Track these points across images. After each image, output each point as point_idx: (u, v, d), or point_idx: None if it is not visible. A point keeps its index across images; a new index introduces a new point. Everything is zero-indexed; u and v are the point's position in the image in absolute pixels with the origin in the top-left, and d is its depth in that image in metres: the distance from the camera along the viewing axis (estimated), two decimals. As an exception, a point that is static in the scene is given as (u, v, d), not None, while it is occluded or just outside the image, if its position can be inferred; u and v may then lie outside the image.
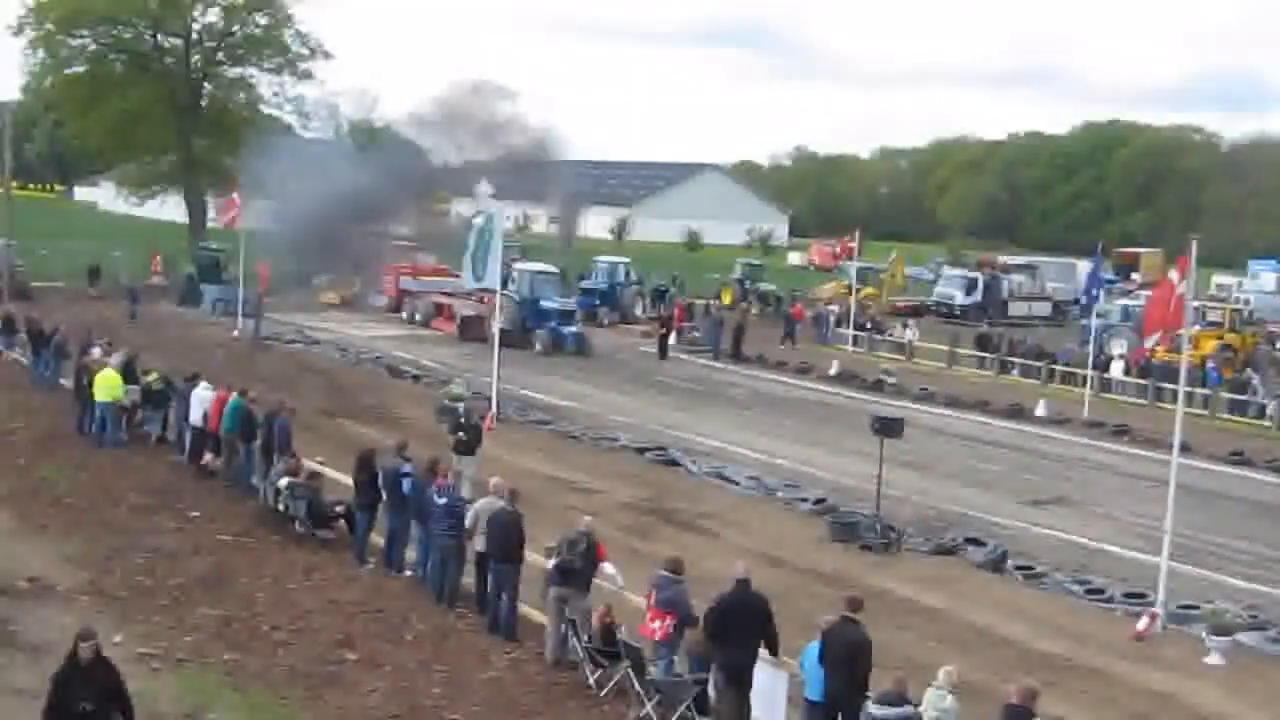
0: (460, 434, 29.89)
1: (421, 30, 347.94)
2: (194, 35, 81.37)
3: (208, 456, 30.51)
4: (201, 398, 30.84)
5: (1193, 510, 30.78)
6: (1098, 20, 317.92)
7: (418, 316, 64.97)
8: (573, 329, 59.22)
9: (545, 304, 59.41)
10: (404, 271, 68.05)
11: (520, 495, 22.09)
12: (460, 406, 34.17)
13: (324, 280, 70.54)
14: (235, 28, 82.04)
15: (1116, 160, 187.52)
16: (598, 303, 71.32)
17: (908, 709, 15.12)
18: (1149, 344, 25.51)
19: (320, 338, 57.27)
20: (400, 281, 67.62)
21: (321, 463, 29.81)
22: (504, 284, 50.76)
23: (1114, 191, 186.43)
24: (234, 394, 29.96)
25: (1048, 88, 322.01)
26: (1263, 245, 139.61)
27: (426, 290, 66.04)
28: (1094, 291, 55.49)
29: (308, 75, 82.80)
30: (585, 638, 19.27)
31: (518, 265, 62.05)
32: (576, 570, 19.94)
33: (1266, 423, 48.62)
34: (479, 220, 42.24)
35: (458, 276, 62.18)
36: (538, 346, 56.46)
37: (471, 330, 58.34)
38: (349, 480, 26.04)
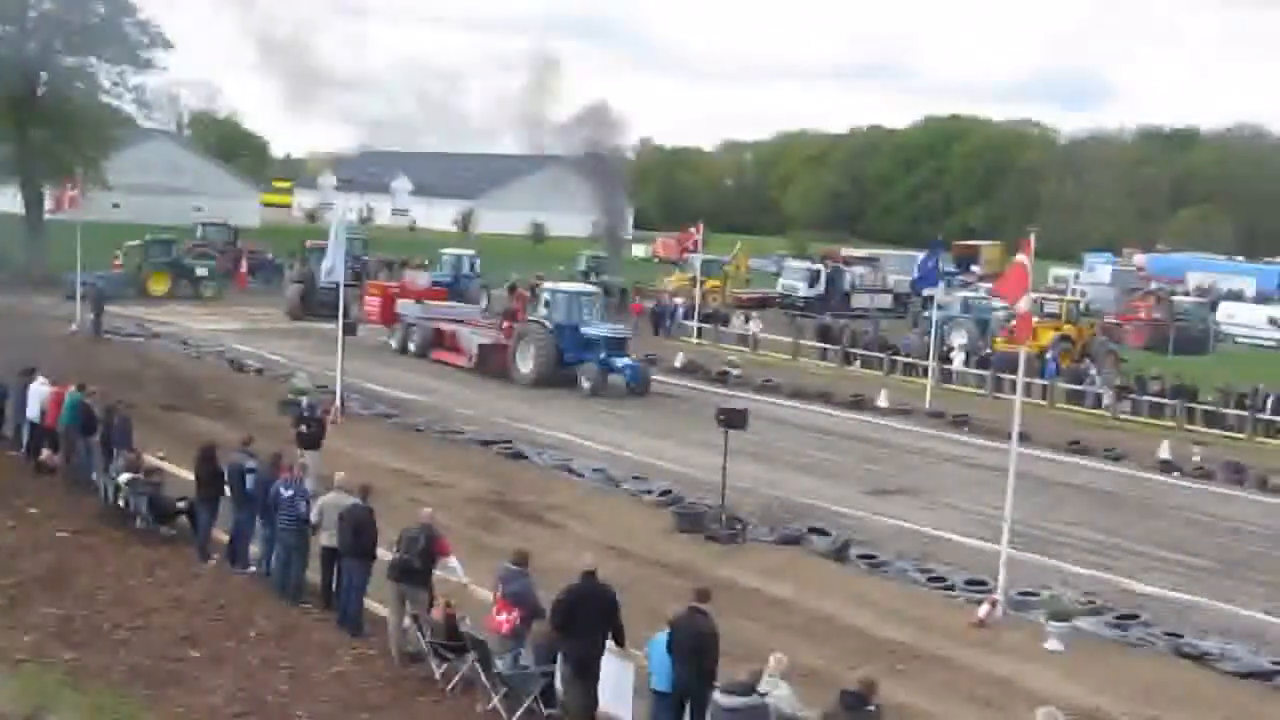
0: (303, 427, 29.65)
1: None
2: (30, 23, 79.60)
3: (45, 453, 29.92)
4: (38, 393, 30.25)
5: (1032, 498, 31.36)
6: (938, 16, 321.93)
7: (411, 345, 54.70)
8: (627, 360, 49.15)
9: (588, 331, 48.96)
10: (394, 291, 59.24)
11: (371, 490, 21.92)
12: (304, 400, 33.93)
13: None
14: (74, 15, 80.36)
15: (957, 154, 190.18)
16: (443, 295, 70.63)
17: (755, 698, 15.22)
18: (1022, 307, 25.92)
19: (161, 331, 56.35)
20: (397, 305, 57.20)
21: (163, 458, 29.41)
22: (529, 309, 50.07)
23: (955, 185, 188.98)
24: (72, 388, 29.43)
25: (890, 82, 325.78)
26: (1099, 238, 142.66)
27: (430, 316, 55.95)
28: (928, 280, 56.32)
29: (148, 65, 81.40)
30: (428, 631, 19.19)
31: (548, 285, 53.66)
32: (415, 567, 19.85)
33: (1103, 412, 49.58)
34: (332, 215, 42.06)
35: (446, 297, 61.28)
36: (585, 384, 47.32)
37: (491, 362, 50.11)
38: (191, 475, 25.70)
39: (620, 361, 48.53)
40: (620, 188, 63.74)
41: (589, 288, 55.52)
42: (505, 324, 52.39)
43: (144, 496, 25.62)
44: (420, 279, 62.56)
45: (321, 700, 18.35)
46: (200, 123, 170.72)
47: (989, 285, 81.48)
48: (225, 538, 24.59)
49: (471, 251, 77.80)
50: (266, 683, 18.84)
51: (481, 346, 50.93)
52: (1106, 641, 23.61)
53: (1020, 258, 25.74)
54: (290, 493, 22.32)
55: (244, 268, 77.09)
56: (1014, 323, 28.44)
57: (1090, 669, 22.14)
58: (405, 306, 56.69)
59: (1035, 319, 52.28)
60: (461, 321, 55.58)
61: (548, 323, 48.98)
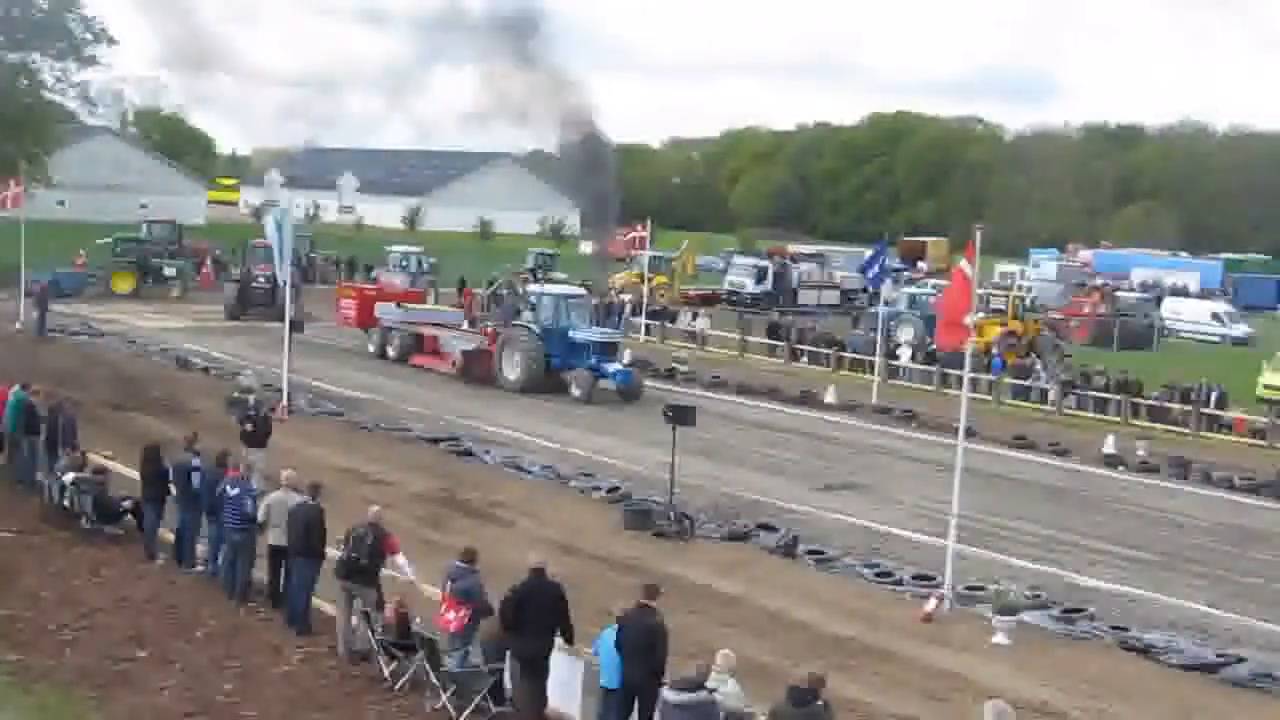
0: (249, 426, 29.52)
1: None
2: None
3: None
4: (-20, 392, 30.04)
5: (979, 493, 31.47)
6: (883, 13, 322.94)
7: (391, 350, 52.82)
8: (618, 365, 47.59)
9: (576, 335, 47.42)
10: (371, 294, 57.55)
11: (322, 489, 21.84)
12: (250, 398, 33.75)
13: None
14: (15, 11, 79.83)
15: (904, 151, 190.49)
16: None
17: (703, 694, 15.25)
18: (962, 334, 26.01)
19: (107, 330, 56.06)
20: (376, 309, 54.95)
21: (109, 457, 29.27)
22: (517, 313, 49.42)
23: (902, 181, 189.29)
24: (15, 388, 29.22)
25: (836, 79, 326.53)
26: (1045, 234, 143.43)
27: (410, 320, 53.89)
28: (873, 277, 56.57)
29: (92, 61, 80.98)
30: (378, 630, 19.16)
31: (534, 288, 52.58)
32: (362, 566, 19.81)
33: (1049, 407, 49.83)
34: (276, 213, 41.85)
35: (424, 300, 60.26)
36: (575, 391, 45.82)
37: (476, 368, 48.39)
38: (137, 474, 25.57)
39: (611, 367, 46.88)
40: (609, 181, 61.62)
41: (577, 290, 54.22)
42: (488, 329, 51.35)
43: (89, 496, 25.48)
44: (397, 280, 60.91)
45: (270, 699, 18.29)
46: (146, 119, 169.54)
47: (935, 281, 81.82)
48: (171, 537, 24.47)
49: (419, 249, 77.69)
50: (214, 682, 18.77)
51: (465, 352, 49.16)
52: (1053, 635, 23.78)
53: (964, 266, 25.72)
54: (237, 491, 22.24)
55: (208, 267, 76.83)
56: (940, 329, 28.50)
57: (1037, 662, 22.28)
58: (385, 310, 54.64)
59: (981, 315, 52.75)
60: (443, 325, 54.26)
61: (534, 326, 47.49)
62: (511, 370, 47.33)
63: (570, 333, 47.34)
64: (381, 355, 53.04)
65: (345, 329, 55.93)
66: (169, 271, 71.07)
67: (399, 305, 55.35)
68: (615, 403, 45.38)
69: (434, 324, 54.08)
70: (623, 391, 46.25)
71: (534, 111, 56.52)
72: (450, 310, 59.88)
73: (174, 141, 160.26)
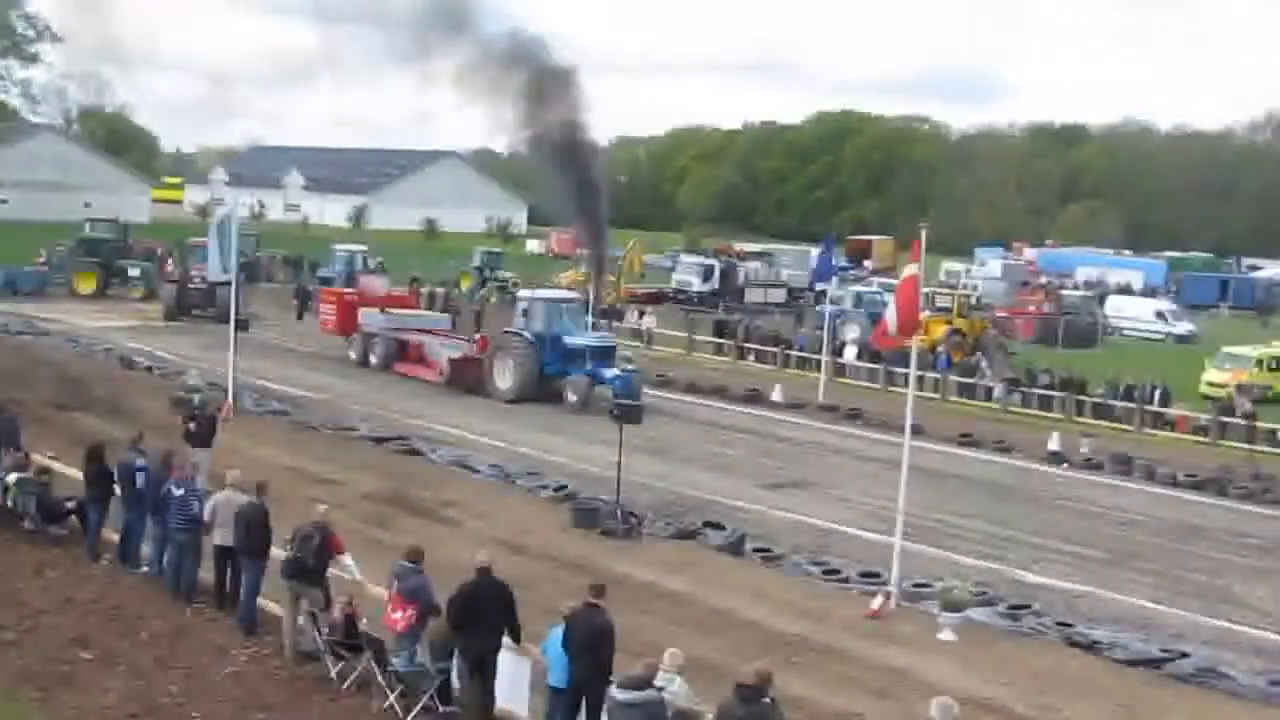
0: (193, 425, 29.35)
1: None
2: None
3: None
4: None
5: (925, 491, 31.56)
6: (830, 13, 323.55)
7: (373, 358, 50.86)
8: (616, 371, 44.48)
9: (570, 341, 45.57)
10: (352, 299, 54.75)
11: (268, 488, 21.72)
12: (196, 397, 33.58)
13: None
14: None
15: (850, 150, 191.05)
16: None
17: (651, 693, 15.25)
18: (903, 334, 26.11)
19: (51, 329, 55.71)
20: (360, 315, 52.85)
21: (53, 457, 28.96)
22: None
23: (848, 180, 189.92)
24: (-42, 388, 29.01)
25: (783, 78, 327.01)
26: (990, 233, 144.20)
27: (395, 327, 51.82)
28: (824, 276, 56.79)
29: (35, 58, 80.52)
30: (324, 630, 19.09)
31: (524, 293, 50.73)
32: (309, 566, 19.73)
33: (994, 405, 50.11)
34: (221, 212, 41.70)
35: (410, 303, 58.60)
36: (571, 398, 44.13)
37: (465, 375, 46.65)
38: (81, 475, 25.39)
39: (609, 372, 44.32)
40: (599, 177, 58.52)
41: (570, 294, 52.61)
42: (479, 336, 50.51)
43: (32, 496, 25.27)
44: (376, 284, 58.22)
45: (216, 700, 18.18)
46: (89, 118, 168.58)
47: (881, 280, 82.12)
48: (116, 538, 24.30)
49: (364, 247, 77.46)
50: (160, 684, 18.64)
51: (453, 360, 47.35)
52: (999, 631, 23.88)
53: (911, 270, 25.77)
54: (182, 492, 22.09)
55: (170, 267, 76.37)
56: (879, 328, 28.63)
57: (983, 659, 22.38)
58: (369, 316, 52.51)
59: (927, 313, 53.03)
60: (429, 332, 52.08)
61: (526, 333, 45.76)
62: (503, 378, 45.70)
63: (565, 338, 45.64)
64: (364, 363, 51.17)
65: (296, 331, 55.53)
66: (134, 272, 70.69)
67: (384, 311, 53.15)
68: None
69: (419, 330, 52.14)
70: (621, 397, 41.13)
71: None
72: (436, 315, 58.28)
73: (118, 140, 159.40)
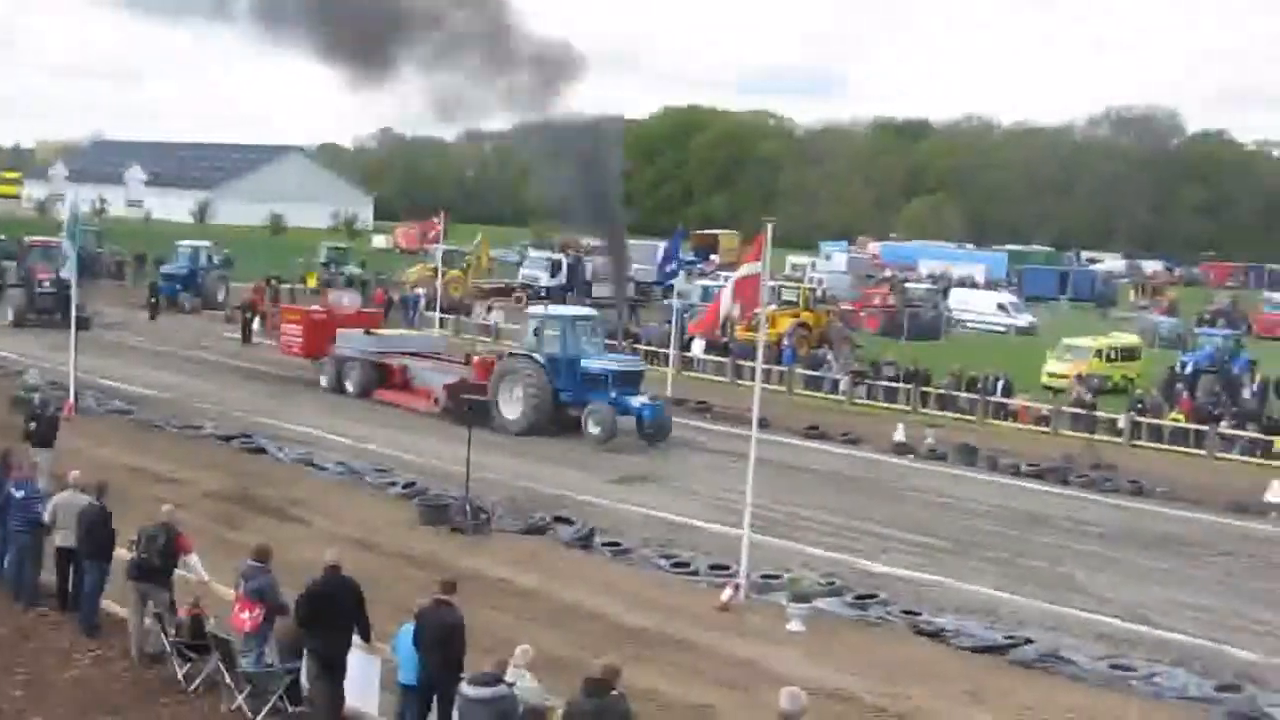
0: (34, 425, 28.84)
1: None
2: None
3: None
4: None
5: (772, 483, 31.81)
6: (676, 7, 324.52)
7: (349, 384, 45.26)
8: (644, 399, 40.37)
9: (591, 365, 40.54)
10: (320, 318, 48.70)
11: (109, 489, 21.38)
12: (35, 396, 32.96)
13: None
14: None
15: (696, 145, 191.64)
16: (180, 288, 69.60)
17: (502, 689, 15.23)
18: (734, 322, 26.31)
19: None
20: (339, 337, 46.91)
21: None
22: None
23: (695, 175, 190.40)
24: None
25: (629, 73, 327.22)
26: (835, 227, 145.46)
27: (376, 349, 46.21)
28: (668, 270, 57.02)
29: None
30: (171, 631, 18.85)
31: (535, 310, 45.53)
32: (155, 566, 19.46)
33: (840, 397, 50.64)
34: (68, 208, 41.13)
35: (380, 323, 52.77)
36: (593, 430, 39.09)
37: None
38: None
39: (635, 401, 40.06)
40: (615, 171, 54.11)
41: (587, 311, 47.02)
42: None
43: None
44: (345, 300, 52.30)
45: (59, 705, 17.91)
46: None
47: (728, 274, 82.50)
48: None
49: (209, 243, 76.52)
50: (2, 689, 18.33)
51: (449, 387, 41.65)
52: (847, 621, 24.15)
53: (751, 269, 25.95)
54: (22, 493, 21.71)
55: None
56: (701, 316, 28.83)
57: (832, 648, 22.61)
58: (347, 337, 46.72)
59: (773, 307, 53.35)
60: (417, 355, 46.56)
61: (538, 355, 40.61)
62: (510, 408, 40.41)
63: (583, 362, 40.56)
64: (338, 390, 45.53)
65: (150, 332, 54.66)
66: None
67: (367, 332, 47.70)
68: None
69: (404, 352, 46.42)
70: (648, 431, 40.02)
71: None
72: (425, 336, 53.87)
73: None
